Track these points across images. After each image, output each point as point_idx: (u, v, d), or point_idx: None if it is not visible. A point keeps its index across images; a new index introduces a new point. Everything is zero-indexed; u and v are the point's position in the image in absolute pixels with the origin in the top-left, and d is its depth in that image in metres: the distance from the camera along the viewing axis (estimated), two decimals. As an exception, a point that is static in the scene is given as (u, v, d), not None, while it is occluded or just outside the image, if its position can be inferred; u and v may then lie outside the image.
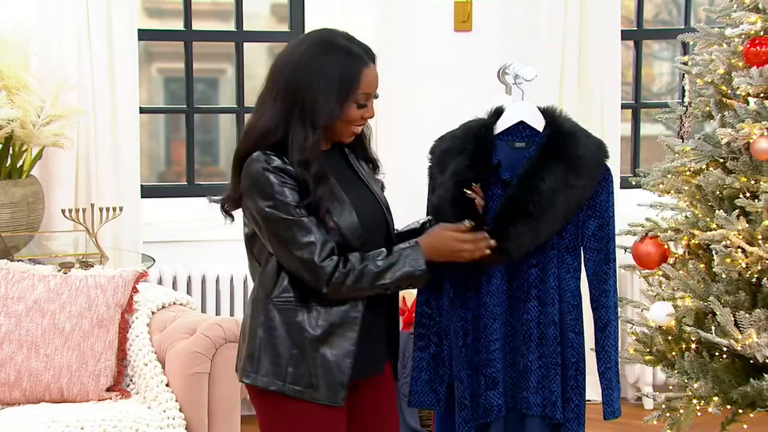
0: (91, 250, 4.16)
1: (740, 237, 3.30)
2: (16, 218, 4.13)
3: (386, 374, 2.78)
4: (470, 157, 2.82)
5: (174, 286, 4.71)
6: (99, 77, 4.54)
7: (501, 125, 2.88)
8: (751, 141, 3.30)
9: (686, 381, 3.44)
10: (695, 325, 3.41)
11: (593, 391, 3.45)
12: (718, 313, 3.29)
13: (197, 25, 5.00)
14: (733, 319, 3.29)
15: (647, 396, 3.78)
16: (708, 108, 3.56)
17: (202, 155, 5.35)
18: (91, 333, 3.57)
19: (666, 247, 3.59)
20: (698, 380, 3.39)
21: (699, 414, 3.56)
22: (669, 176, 3.60)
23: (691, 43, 3.70)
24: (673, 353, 3.57)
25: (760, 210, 3.29)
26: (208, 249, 4.87)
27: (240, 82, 5.04)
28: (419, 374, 2.94)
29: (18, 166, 4.26)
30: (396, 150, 4.71)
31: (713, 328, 3.36)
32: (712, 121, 3.57)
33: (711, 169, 3.43)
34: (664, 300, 3.57)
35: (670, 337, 3.60)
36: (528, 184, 2.77)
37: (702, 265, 3.50)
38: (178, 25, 4.99)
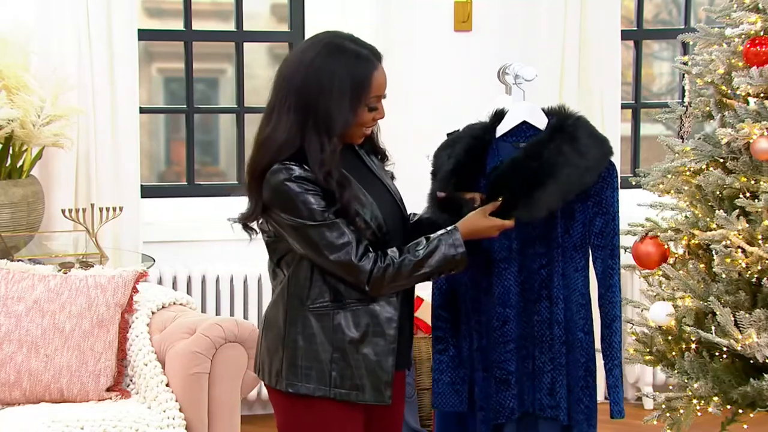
0: (91, 250, 4.16)
1: (740, 237, 3.30)
2: (16, 218, 4.13)
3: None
4: (465, 160, 2.83)
5: (174, 286, 4.71)
6: (99, 77, 4.53)
7: (504, 127, 2.88)
8: (751, 141, 3.30)
9: (686, 381, 3.44)
10: (695, 325, 3.41)
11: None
12: (718, 313, 3.29)
13: (197, 25, 5.00)
14: (733, 319, 3.29)
15: (647, 396, 3.78)
16: (708, 108, 3.56)
17: (202, 155, 5.35)
18: (91, 333, 3.57)
19: (666, 247, 3.59)
20: (698, 380, 3.39)
21: (699, 414, 3.56)
22: (669, 176, 3.60)
23: (691, 43, 3.70)
24: (673, 353, 3.57)
25: (760, 210, 3.29)
26: (208, 249, 4.87)
27: (240, 82, 5.04)
28: (440, 376, 2.94)
29: (18, 166, 4.26)
30: (396, 150, 4.67)
31: (713, 328, 3.36)
32: (712, 121, 3.57)
33: (711, 169, 3.43)
34: (664, 300, 3.56)
35: (670, 337, 3.60)
36: (532, 151, 2.77)
37: (702, 265, 3.50)
38: (178, 25, 4.99)
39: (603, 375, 2.97)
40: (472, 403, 2.94)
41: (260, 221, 2.64)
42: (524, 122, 2.87)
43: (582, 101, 4.93)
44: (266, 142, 2.57)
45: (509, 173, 2.74)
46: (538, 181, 2.72)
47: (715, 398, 3.38)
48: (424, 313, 4.42)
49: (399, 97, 4.98)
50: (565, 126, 2.80)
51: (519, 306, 2.85)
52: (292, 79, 2.56)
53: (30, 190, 4.21)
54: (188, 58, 4.96)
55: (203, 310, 4.75)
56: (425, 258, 2.59)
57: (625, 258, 3.65)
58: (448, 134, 3.04)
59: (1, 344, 3.54)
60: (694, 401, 3.46)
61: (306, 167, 2.53)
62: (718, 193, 3.44)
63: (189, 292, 4.75)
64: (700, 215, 3.49)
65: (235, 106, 5.08)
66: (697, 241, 3.48)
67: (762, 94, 3.38)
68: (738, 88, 3.38)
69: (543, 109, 2.90)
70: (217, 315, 4.74)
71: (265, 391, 4.88)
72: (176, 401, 3.47)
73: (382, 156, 2.80)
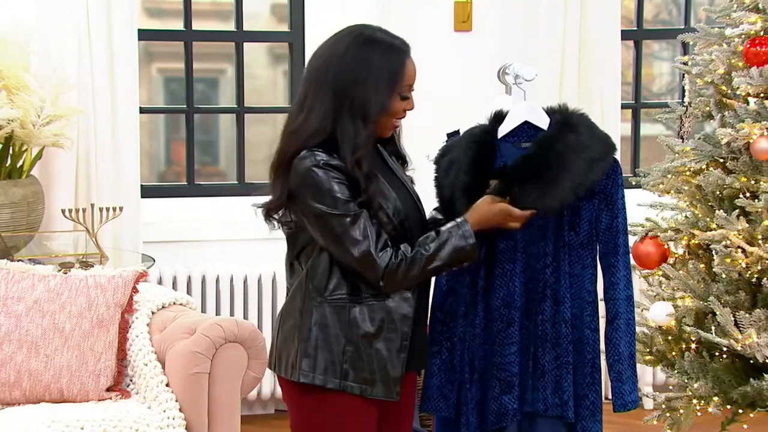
0: (91, 250, 4.16)
1: (740, 237, 3.30)
2: (16, 218, 4.13)
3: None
4: (472, 164, 2.83)
5: (174, 286, 4.71)
6: (99, 77, 4.53)
7: (505, 128, 2.88)
8: (751, 141, 3.31)
9: (686, 381, 3.44)
10: (695, 325, 3.41)
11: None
12: (718, 313, 3.29)
13: (197, 25, 5.00)
14: (733, 319, 3.29)
15: (647, 396, 3.79)
16: (708, 108, 3.56)
17: (202, 155, 5.35)
18: (91, 333, 3.57)
19: (666, 247, 3.59)
20: (698, 380, 3.39)
21: (699, 414, 3.56)
22: (669, 176, 3.60)
23: (691, 43, 3.70)
24: (673, 353, 3.57)
25: (760, 210, 3.29)
26: (208, 249, 4.87)
27: (240, 82, 5.04)
28: (430, 380, 2.93)
29: (18, 166, 4.26)
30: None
31: (713, 328, 3.36)
32: (712, 121, 3.57)
33: (711, 169, 3.44)
34: (664, 300, 3.57)
35: (670, 337, 3.60)
36: (543, 144, 2.78)
37: (702, 265, 3.50)
38: (178, 25, 4.99)
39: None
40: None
41: (281, 213, 2.64)
42: (525, 122, 2.87)
43: (582, 101, 4.93)
44: (297, 130, 2.58)
45: (523, 166, 2.75)
46: (552, 171, 2.73)
47: (715, 398, 3.38)
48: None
49: (399, 97, 5.01)
50: (570, 121, 2.81)
51: (523, 306, 2.85)
52: (327, 70, 2.58)
53: (30, 190, 4.20)
54: (188, 58, 4.96)
55: (203, 310, 4.75)
56: (436, 251, 2.60)
57: (625, 258, 3.66)
58: (448, 134, 3.04)
59: (1, 344, 3.54)
60: (694, 401, 3.46)
61: (335, 155, 2.55)
62: (718, 193, 3.44)
63: (189, 292, 4.75)
64: (700, 215, 3.49)
65: (235, 106, 5.08)
66: (697, 241, 3.48)
67: (762, 94, 3.38)
68: (738, 88, 3.38)
69: (544, 109, 2.90)
70: (217, 315, 4.74)
71: (265, 391, 4.88)
72: (176, 401, 3.47)
73: (403, 161, 2.82)
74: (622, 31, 5.02)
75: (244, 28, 5.03)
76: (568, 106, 2.88)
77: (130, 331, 3.67)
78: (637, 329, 3.74)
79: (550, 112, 2.88)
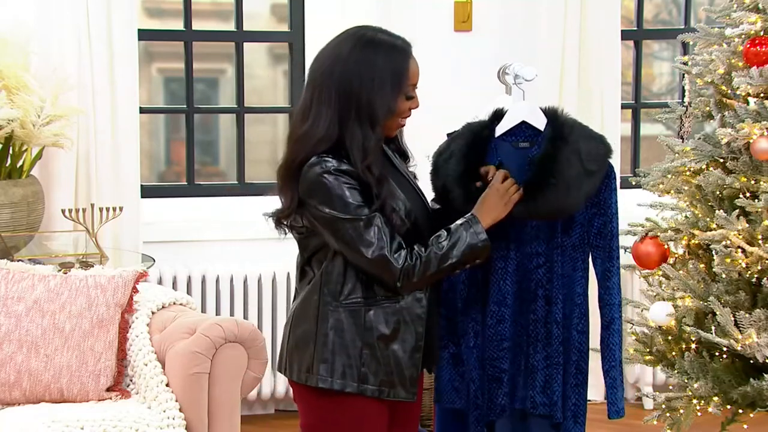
0: (91, 250, 4.16)
1: (740, 237, 3.30)
2: (16, 218, 4.13)
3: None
4: (466, 155, 2.83)
5: (174, 286, 4.71)
6: (99, 77, 4.54)
7: (503, 127, 2.88)
8: (751, 141, 3.30)
9: (686, 381, 3.44)
10: (695, 325, 3.41)
11: (595, 391, 3.45)
12: (718, 313, 3.29)
13: (197, 25, 5.00)
14: (733, 319, 3.29)
15: (647, 396, 3.79)
16: (708, 108, 3.56)
17: (202, 155, 5.35)
18: (91, 333, 3.57)
19: (666, 247, 3.59)
20: (698, 380, 3.39)
21: (699, 414, 3.56)
22: (669, 176, 3.60)
23: (691, 43, 3.70)
24: (673, 353, 3.57)
25: (760, 210, 3.29)
26: (208, 249, 4.87)
27: (240, 82, 5.04)
28: (440, 373, 2.97)
29: (18, 166, 4.26)
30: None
31: (713, 328, 3.36)
32: (712, 121, 3.57)
33: (711, 169, 3.44)
34: (664, 300, 3.57)
35: (670, 337, 3.60)
36: (545, 157, 2.78)
37: (702, 265, 3.50)
38: (178, 25, 4.99)
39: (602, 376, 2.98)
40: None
41: (292, 218, 2.64)
42: (523, 122, 2.87)
43: (582, 101, 4.93)
44: (304, 137, 2.58)
45: (534, 186, 2.76)
46: (560, 193, 2.75)
47: (715, 398, 3.38)
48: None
49: (399, 97, 5.01)
50: (564, 135, 2.80)
51: (515, 305, 2.86)
52: (330, 73, 2.58)
53: (30, 190, 4.21)
54: (188, 58, 4.96)
55: (203, 310, 4.76)
56: (449, 249, 2.60)
57: (625, 258, 3.65)
58: (448, 134, 3.04)
59: (1, 344, 3.54)
60: (694, 401, 3.46)
61: (344, 161, 2.55)
62: (718, 193, 3.44)
63: (189, 292, 4.75)
64: (700, 215, 3.49)
65: (235, 106, 5.08)
66: (697, 241, 3.48)
67: (762, 94, 3.38)
68: (738, 88, 3.38)
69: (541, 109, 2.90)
70: (217, 315, 4.74)
71: (265, 391, 4.88)
72: (176, 401, 3.47)
73: (405, 157, 2.83)
74: (622, 31, 5.02)
75: (244, 28, 5.03)
76: (556, 113, 2.87)
77: (130, 331, 3.67)
78: (637, 329, 3.74)
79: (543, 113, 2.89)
